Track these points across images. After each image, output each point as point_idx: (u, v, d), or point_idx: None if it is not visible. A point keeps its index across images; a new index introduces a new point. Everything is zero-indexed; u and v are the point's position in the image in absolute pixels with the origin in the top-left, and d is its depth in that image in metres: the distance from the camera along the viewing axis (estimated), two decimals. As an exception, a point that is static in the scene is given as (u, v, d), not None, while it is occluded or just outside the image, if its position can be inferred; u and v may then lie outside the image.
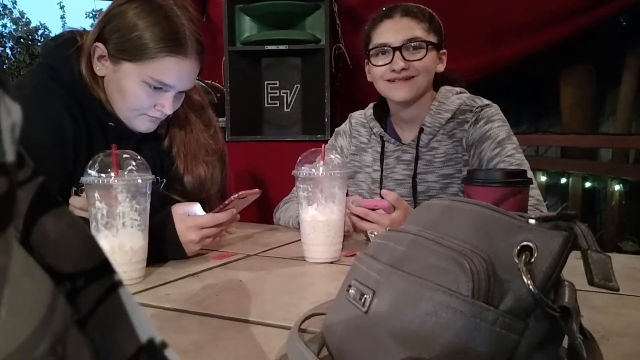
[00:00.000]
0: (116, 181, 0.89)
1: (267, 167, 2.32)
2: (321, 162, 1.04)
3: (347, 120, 1.51)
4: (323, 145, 1.07)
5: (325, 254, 1.06)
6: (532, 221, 0.43)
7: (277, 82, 2.50)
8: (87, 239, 0.28)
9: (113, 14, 1.09)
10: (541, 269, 0.40)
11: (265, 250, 1.17)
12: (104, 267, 0.27)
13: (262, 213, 1.89)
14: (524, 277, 0.39)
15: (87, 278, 0.27)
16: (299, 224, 1.13)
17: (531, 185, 1.20)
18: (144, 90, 1.09)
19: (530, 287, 0.39)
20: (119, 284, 0.26)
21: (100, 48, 1.09)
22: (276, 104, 2.51)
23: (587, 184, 2.36)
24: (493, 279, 0.42)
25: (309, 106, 2.43)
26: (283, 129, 2.48)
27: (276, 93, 2.51)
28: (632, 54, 2.28)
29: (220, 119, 2.57)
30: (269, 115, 2.51)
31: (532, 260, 0.41)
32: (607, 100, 2.45)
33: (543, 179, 2.48)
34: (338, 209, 1.06)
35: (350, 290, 0.54)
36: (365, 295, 0.50)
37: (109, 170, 0.89)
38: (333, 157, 1.06)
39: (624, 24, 2.36)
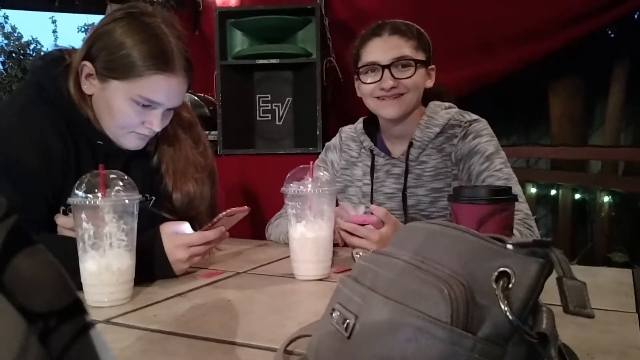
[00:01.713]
0: (103, 202, 0.89)
1: (259, 180, 2.32)
2: (309, 179, 1.04)
3: (338, 135, 1.52)
4: (311, 162, 1.07)
5: (314, 271, 1.06)
6: (509, 247, 0.43)
7: (269, 95, 2.51)
8: (60, 278, 0.28)
9: (100, 33, 1.09)
10: (518, 295, 0.41)
11: (255, 268, 1.17)
12: (76, 306, 0.27)
13: (253, 228, 1.88)
14: (501, 304, 0.40)
15: (59, 318, 0.27)
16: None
17: (520, 200, 1.22)
18: (132, 108, 1.09)
19: (508, 313, 0.40)
20: (89, 325, 0.26)
21: (88, 66, 1.09)
22: (268, 117, 2.52)
23: (577, 196, 2.38)
24: (472, 305, 0.42)
25: (301, 119, 2.44)
26: (275, 142, 2.49)
27: (268, 106, 2.52)
28: (620, 65, 2.31)
29: (212, 133, 2.58)
30: (260, 129, 2.52)
31: (510, 286, 0.41)
32: (596, 112, 2.47)
33: (533, 190, 2.49)
34: (327, 225, 1.06)
35: (333, 314, 0.54)
36: (347, 320, 0.50)
37: (96, 190, 0.89)
38: (322, 173, 1.07)
39: (612, 35, 2.38)
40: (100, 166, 0.92)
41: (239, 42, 2.53)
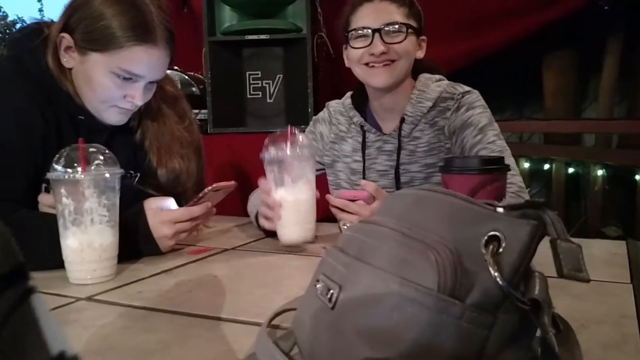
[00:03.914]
0: (83, 176, 0.86)
1: (250, 158, 2.28)
2: (288, 143, 1.03)
3: (325, 109, 1.48)
4: (289, 126, 1.07)
5: (296, 234, 1.06)
6: (500, 210, 0.41)
7: (259, 72, 2.46)
8: (4, 242, 0.25)
9: (79, 4, 1.05)
10: (509, 260, 0.38)
11: (243, 244, 1.15)
12: (19, 271, 0.24)
13: (243, 205, 1.86)
14: (491, 269, 0.37)
15: (3, 282, 0.25)
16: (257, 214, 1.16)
17: (513, 172, 1.20)
18: (113, 81, 1.05)
19: (498, 279, 0.37)
20: (31, 290, 0.23)
21: (67, 39, 1.05)
22: (258, 94, 2.47)
23: (571, 170, 2.36)
24: (460, 271, 0.40)
25: (292, 96, 2.40)
26: (266, 119, 2.45)
27: (258, 84, 2.47)
28: (614, 38, 2.27)
29: (202, 111, 2.54)
30: (251, 107, 2.48)
31: (500, 251, 0.39)
32: (590, 86, 2.44)
33: (526, 165, 2.47)
34: (306, 188, 1.06)
35: (317, 285, 0.52)
36: (331, 290, 0.48)
37: (76, 164, 0.86)
38: (300, 137, 1.06)
39: (606, 8, 2.34)
40: (79, 140, 0.89)
41: (228, 17, 2.48)
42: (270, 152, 1.05)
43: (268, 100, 2.45)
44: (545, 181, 2.47)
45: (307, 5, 2.31)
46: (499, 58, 2.33)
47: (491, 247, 0.39)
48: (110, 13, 1.02)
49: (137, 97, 1.07)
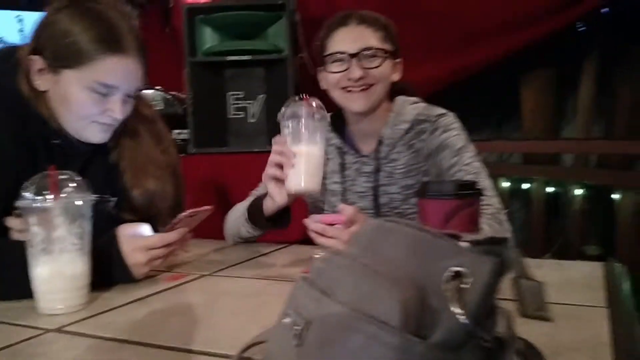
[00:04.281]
0: (53, 204, 0.84)
1: (232, 179, 2.28)
2: (306, 103, 1.11)
3: None
4: (305, 95, 1.14)
5: (305, 183, 1.09)
6: (464, 244, 0.40)
7: (241, 92, 2.46)
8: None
9: (45, 24, 1.04)
10: (473, 297, 0.38)
11: (221, 269, 1.13)
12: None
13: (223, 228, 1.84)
14: (454, 307, 0.37)
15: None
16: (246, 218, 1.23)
17: (489, 194, 1.20)
18: (90, 97, 1.04)
19: (461, 318, 0.37)
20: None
21: (38, 61, 1.04)
22: (240, 114, 2.47)
23: (550, 189, 2.38)
24: (424, 309, 0.39)
25: (274, 116, 2.38)
26: (248, 139, 2.44)
27: (240, 104, 2.48)
28: (590, 58, 2.32)
29: (184, 131, 2.53)
30: (233, 126, 2.47)
31: (464, 287, 0.39)
32: (568, 105, 2.48)
33: (506, 185, 2.49)
34: (318, 146, 1.11)
35: (286, 320, 0.51)
36: (299, 327, 0.47)
37: (46, 192, 0.85)
38: (314, 103, 1.11)
39: (582, 29, 2.39)
40: (50, 167, 0.87)
41: (209, 38, 2.48)
42: (289, 109, 1.12)
43: (250, 120, 2.45)
44: (525, 200, 2.49)
45: (287, 27, 2.33)
46: (478, 78, 2.36)
47: (455, 283, 0.39)
48: (78, 29, 1.02)
49: (117, 110, 1.06)
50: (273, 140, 1.18)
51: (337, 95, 1.27)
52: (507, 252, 0.38)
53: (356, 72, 1.22)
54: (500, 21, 2.21)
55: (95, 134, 1.10)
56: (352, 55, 1.22)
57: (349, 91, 1.24)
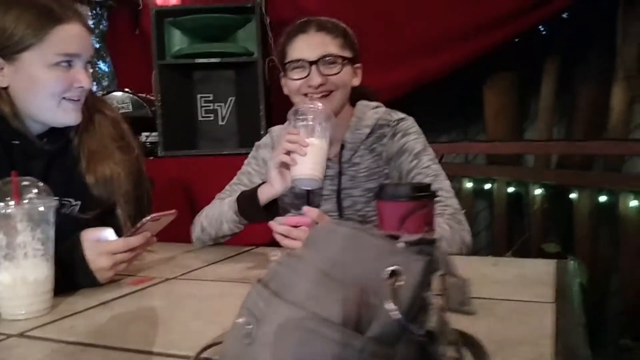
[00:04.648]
0: (15, 210, 0.85)
1: (202, 182, 2.28)
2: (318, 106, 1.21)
3: (268, 134, 1.50)
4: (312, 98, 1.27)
5: (312, 171, 1.17)
6: (400, 245, 0.43)
7: (211, 95, 2.47)
8: None
9: None
10: (406, 293, 0.41)
11: (186, 273, 1.15)
12: None
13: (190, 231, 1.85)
14: (386, 304, 0.40)
15: None
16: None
17: (447, 195, 1.25)
18: (54, 74, 1.08)
19: (394, 313, 0.40)
20: None
21: None
22: (210, 117, 2.48)
23: (512, 189, 2.45)
24: (364, 305, 0.42)
25: (244, 119, 2.42)
26: (218, 142, 2.45)
27: (210, 106, 2.48)
28: (551, 61, 2.39)
29: (153, 134, 2.53)
30: (203, 129, 2.48)
31: (399, 284, 0.41)
32: (530, 106, 2.56)
33: (470, 185, 2.56)
34: (326, 142, 1.20)
35: (240, 320, 0.53)
36: (250, 326, 0.50)
37: (8, 198, 0.85)
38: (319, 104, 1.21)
39: (544, 32, 2.47)
40: (12, 173, 0.88)
41: (178, 41, 2.48)
42: (303, 107, 1.21)
43: (220, 123, 2.46)
44: (489, 201, 2.56)
45: (257, 30, 2.34)
46: (445, 81, 2.42)
47: (391, 281, 0.42)
48: (17, 11, 1.06)
49: (82, 79, 1.11)
50: (285, 131, 1.24)
51: (299, 102, 1.30)
52: (435, 252, 0.41)
53: (316, 79, 1.25)
54: (463, 26, 2.26)
55: (68, 113, 1.13)
56: (312, 63, 1.25)
57: (310, 97, 1.27)
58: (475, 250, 2.18)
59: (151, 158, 2.42)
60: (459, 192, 2.41)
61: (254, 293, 0.55)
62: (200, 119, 2.48)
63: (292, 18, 2.51)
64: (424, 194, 0.85)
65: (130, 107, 2.74)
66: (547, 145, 2.30)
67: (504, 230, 2.45)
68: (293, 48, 1.30)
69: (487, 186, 2.48)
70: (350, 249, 0.48)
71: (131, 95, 2.74)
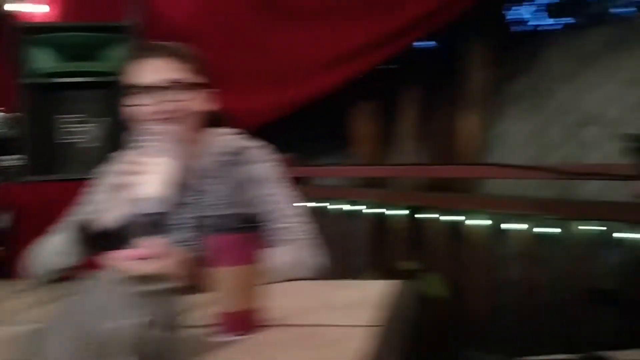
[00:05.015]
0: None
1: (64, 206, 2.16)
2: None
3: (110, 160, 1.45)
4: None
5: (155, 191, 1.07)
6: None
7: (79, 115, 2.37)
8: None
9: None
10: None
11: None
12: None
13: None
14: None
15: None
16: None
17: (294, 221, 1.28)
18: None
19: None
20: None
21: None
22: (79, 138, 2.37)
23: (376, 211, 2.59)
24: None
25: (116, 140, 2.34)
26: (85, 165, 2.34)
27: (79, 127, 2.38)
28: (413, 88, 2.59)
29: (14, 157, 2.37)
30: (71, 151, 2.36)
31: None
32: (393, 132, 2.73)
33: (343, 207, 2.67)
34: (172, 164, 1.09)
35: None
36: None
37: None
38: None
39: (395, 67, 2.62)
40: None
41: (44, 59, 2.36)
42: (150, 127, 1.12)
43: (86, 145, 2.36)
44: (359, 223, 2.68)
45: (127, 49, 2.29)
46: (318, 107, 2.51)
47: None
48: None
49: None
50: (129, 155, 1.13)
51: (143, 126, 1.26)
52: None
53: (164, 105, 1.21)
54: (325, 56, 2.37)
55: None
56: (155, 88, 1.21)
57: (156, 122, 1.23)
58: (348, 271, 2.27)
59: (14, 182, 2.28)
60: (328, 215, 2.51)
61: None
62: (68, 140, 2.36)
63: (165, 39, 2.50)
64: (247, 225, 0.87)
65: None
66: (400, 169, 2.47)
67: (367, 251, 2.58)
68: (137, 73, 1.25)
69: (356, 208, 2.60)
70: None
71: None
